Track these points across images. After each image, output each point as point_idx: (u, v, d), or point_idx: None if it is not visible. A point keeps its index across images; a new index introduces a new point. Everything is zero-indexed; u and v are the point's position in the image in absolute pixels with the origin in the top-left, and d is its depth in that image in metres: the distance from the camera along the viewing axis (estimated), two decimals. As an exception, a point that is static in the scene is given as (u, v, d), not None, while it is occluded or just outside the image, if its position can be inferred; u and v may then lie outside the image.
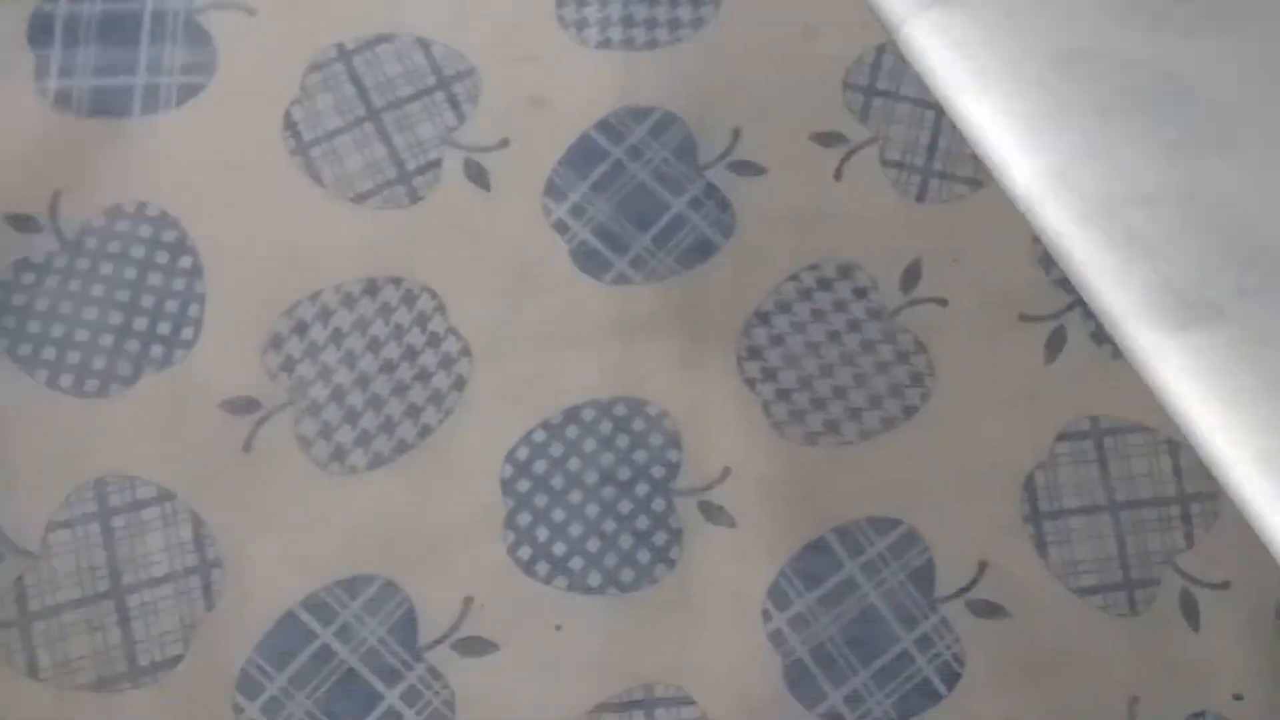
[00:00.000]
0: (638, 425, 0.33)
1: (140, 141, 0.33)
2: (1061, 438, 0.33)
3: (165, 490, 0.32)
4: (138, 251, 0.33)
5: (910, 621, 0.32)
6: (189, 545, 0.32)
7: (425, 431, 0.32)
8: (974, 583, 0.32)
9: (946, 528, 0.33)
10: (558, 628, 0.32)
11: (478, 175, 0.34)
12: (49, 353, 0.33)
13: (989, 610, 0.32)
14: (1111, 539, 0.33)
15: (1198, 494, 0.33)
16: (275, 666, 0.31)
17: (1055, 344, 0.34)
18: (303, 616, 0.31)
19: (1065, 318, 0.34)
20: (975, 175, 0.35)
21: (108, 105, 0.34)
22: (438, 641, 0.31)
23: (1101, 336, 0.34)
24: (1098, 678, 0.32)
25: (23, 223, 0.33)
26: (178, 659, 0.31)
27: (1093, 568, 0.33)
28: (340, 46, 0.34)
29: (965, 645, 0.32)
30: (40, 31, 0.34)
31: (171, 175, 0.33)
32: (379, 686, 0.31)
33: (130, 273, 0.33)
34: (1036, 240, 0.32)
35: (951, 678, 0.32)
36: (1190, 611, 0.32)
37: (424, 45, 0.35)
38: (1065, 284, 0.34)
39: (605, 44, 0.35)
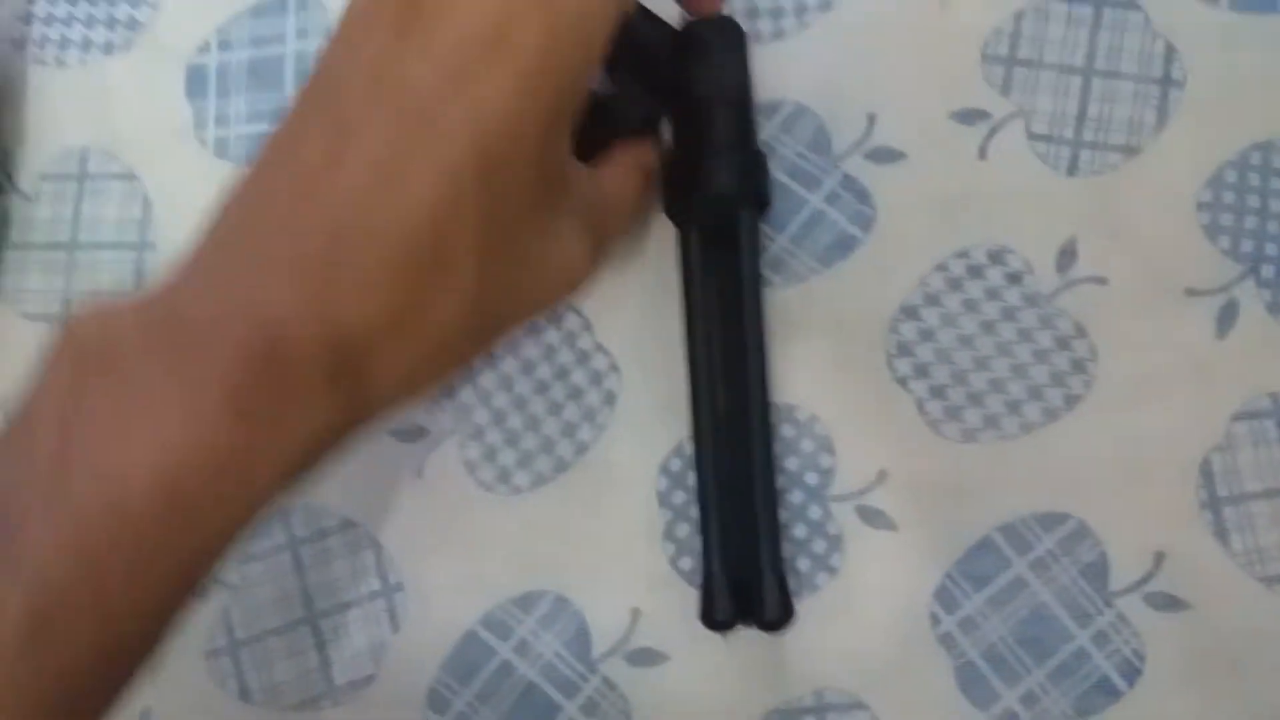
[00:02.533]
0: (788, 432, 0.33)
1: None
2: (1238, 418, 0.33)
3: (347, 519, 0.34)
4: None
5: (1085, 618, 0.32)
6: (372, 570, 0.34)
7: (581, 449, 0.34)
8: (1151, 575, 0.32)
9: (1119, 520, 0.33)
10: (725, 637, 0.33)
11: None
12: (231, 395, 0.35)
13: (1169, 603, 0.32)
14: (1299, 523, 0.32)
15: None
16: (461, 683, 0.33)
17: (1227, 318, 0.33)
18: (482, 634, 0.34)
19: (1237, 289, 0.33)
20: (1129, 142, 0.33)
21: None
22: (610, 653, 0.33)
23: (1278, 307, 0.33)
24: None
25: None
26: (370, 678, 0.34)
27: (1279, 554, 0.32)
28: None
29: (1145, 640, 0.32)
30: (197, 84, 0.37)
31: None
32: (558, 698, 0.33)
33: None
34: (1201, 207, 0.31)
35: (1132, 674, 0.32)
36: (1391, 597, 0.31)
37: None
38: (1235, 253, 0.33)
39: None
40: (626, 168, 0.31)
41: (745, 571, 0.32)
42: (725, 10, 0.35)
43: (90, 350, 0.22)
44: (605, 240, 0.30)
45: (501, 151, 0.24)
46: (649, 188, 0.33)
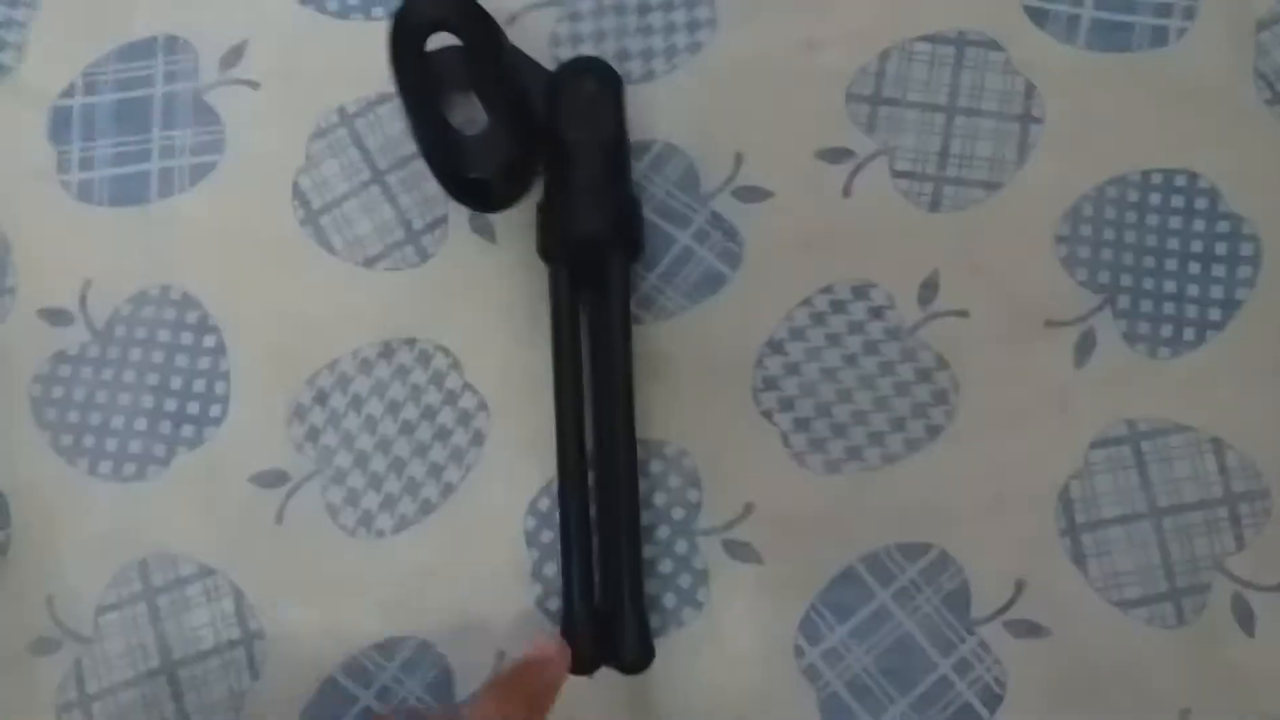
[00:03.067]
0: (656, 467, 0.39)
1: (159, 226, 0.41)
2: (1096, 445, 0.39)
3: (205, 566, 0.40)
4: (164, 335, 0.42)
5: (947, 646, 0.38)
6: (231, 618, 0.40)
7: (448, 490, 0.40)
8: (1011, 602, 0.38)
9: (980, 548, 0.39)
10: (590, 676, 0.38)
11: (483, 228, 0.40)
12: (88, 441, 0.41)
13: (1029, 630, 0.38)
14: (1154, 547, 0.38)
15: (1246, 493, 0.38)
16: (319, 727, 0.38)
17: (1085, 347, 0.39)
18: (343, 681, 0.39)
19: (1094, 319, 0.39)
20: (990, 178, 0.40)
21: (126, 194, 0.42)
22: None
23: (1134, 336, 0.39)
24: (1147, 692, 0.38)
25: (56, 316, 0.42)
26: (229, 727, 0.39)
27: (1136, 579, 0.38)
28: (342, 110, 0.41)
29: (1006, 667, 0.38)
30: (60, 127, 0.42)
31: (191, 256, 0.42)
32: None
33: (158, 356, 0.41)
34: (1059, 240, 0.38)
35: (993, 700, 0.38)
36: (1244, 617, 0.38)
37: (422, 103, 0.41)
38: (1092, 284, 0.40)
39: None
40: None
41: (607, 612, 0.38)
42: (597, 51, 0.41)
43: None
44: None
45: None
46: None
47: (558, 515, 0.39)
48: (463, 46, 0.38)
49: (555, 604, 0.40)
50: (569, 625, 0.38)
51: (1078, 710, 0.38)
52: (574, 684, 0.38)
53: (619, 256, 0.40)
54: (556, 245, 0.40)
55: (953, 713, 0.38)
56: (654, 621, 0.38)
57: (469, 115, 0.40)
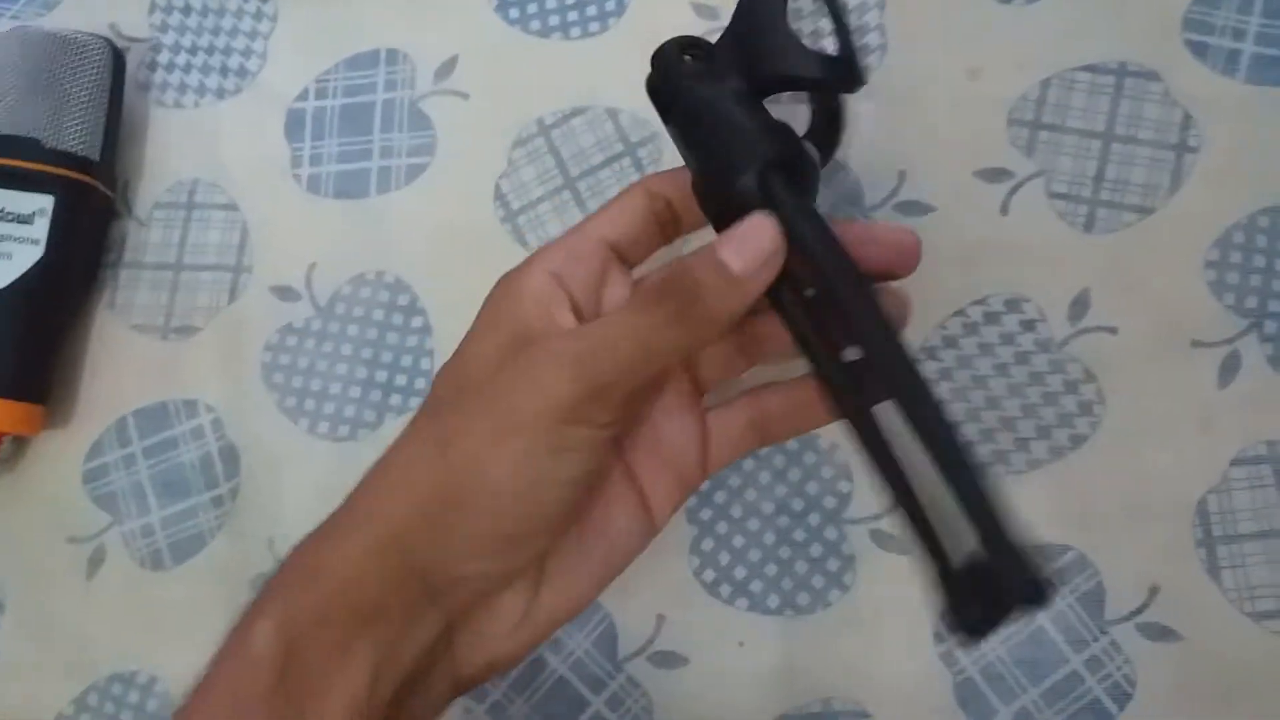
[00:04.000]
0: (809, 459, 0.42)
1: (376, 218, 0.46)
2: (1236, 463, 0.40)
3: None
4: (378, 314, 0.46)
5: (1080, 643, 0.40)
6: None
7: None
8: (1145, 606, 0.40)
9: (1116, 553, 0.41)
10: (740, 644, 0.41)
11: (662, 230, 0.44)
12: (309, 404, 0.46)
13: (1161, 633, 0.40)
14: (1290, 564, 0.39)
15: None
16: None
17: (1229, 369, 0.41)
18: None
19: (1240, 343, 0.41)
20: (1144, 203, 0.42)
21: (349, 188, 0.47)
22: (635, 655, 0.42)
23: (1278, 360, 0.40)
24: (1275, 701, 0.39)
25: (285, 293, 0.47)
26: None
27: (1269, 592, 0.40)
28: (540, 121, 0.46)
29: (1136, 667, 0.40)
30: (295, 127, 0.48)
31: (403, 246, 0.46)
32: (587, 694, 0.42)
33: (372, 333, 0.46)
34: (1209, 265, 0.40)
35: (1123, 698, 0.40)
36: (1375, 638, 0.38)
37: (612, 115, 0.45)
38: (1239, 308, 0.41)
39: (775, 101, 0.44)
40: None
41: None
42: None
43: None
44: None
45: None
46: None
47: (721, 495, 0.42)
48: None
49: (710, 575, 0.43)
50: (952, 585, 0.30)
51: (1205, 714, 0.39)
52: (727, 650, 0.42)
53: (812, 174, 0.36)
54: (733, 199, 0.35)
55: (1082, 706, 0.40)
56: (803, 600, 0.41)
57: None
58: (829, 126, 0.38)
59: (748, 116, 0.33)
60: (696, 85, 0.34)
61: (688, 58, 0.36)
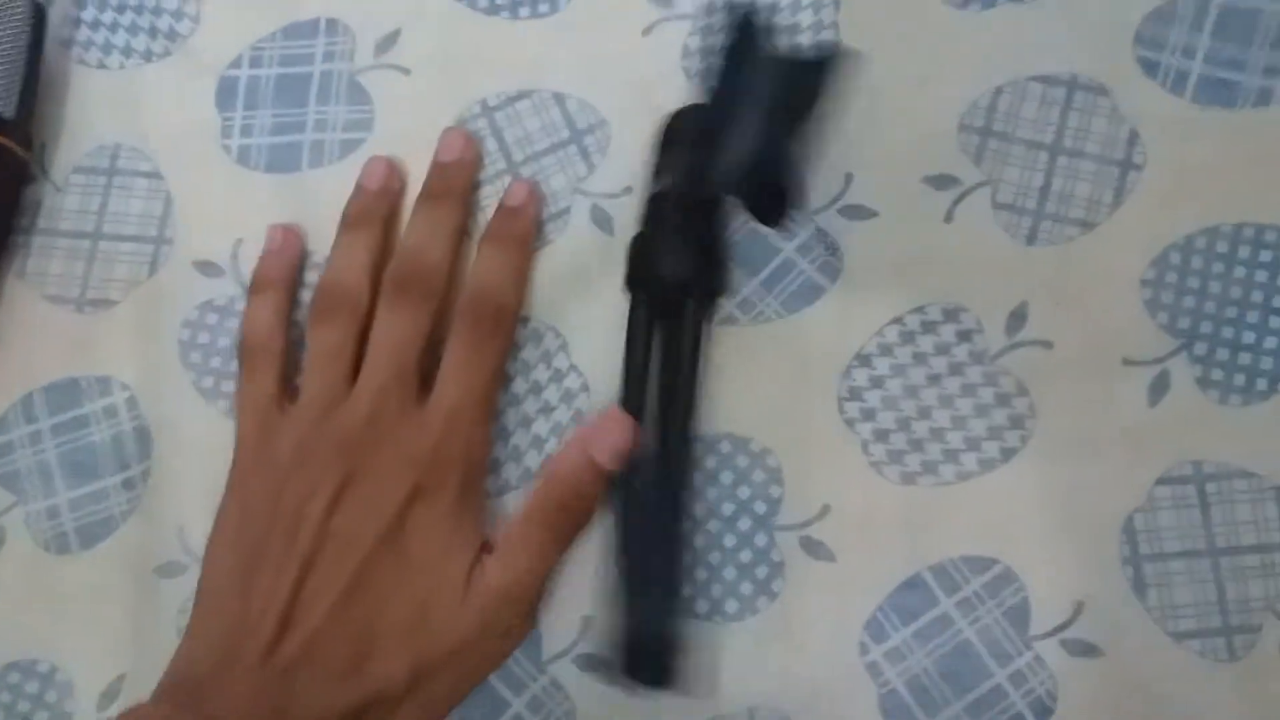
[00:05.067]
0: (741, 461, 0.41)
1: (309, 195, 0.44)
2: (1162, 482, 0.40)
3: None
4: (308, 297, 0.44)
5: (1004, 657, 0.40)
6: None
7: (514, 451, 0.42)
8: (1069, 622, 0.40)
9: (1043, 568, 0.40)
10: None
11: (603, 221, 0.43)
12: (227, 386, 0.44)
13: (1084, 649, 0.39)
14: (1211, 584, 0.39)
15: None
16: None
17: (1159, 388, 0.40)
18: None
19: (1170, 362, 0.40)
20: (1086, 218, 0.41)
21: (280, 162, 0.45)
22: (559, 656, 0.41)
23: (1207, 382, 0.40)
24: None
25: (208, 268, 0.45)
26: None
27: (1192, 612, 0.39)
28: (484, 103, 0.44)
29: (1059, 682, 0.39)
30: (226, 95, 0.45)
31: (333, 224, 0.44)
32: (508, 695, 0.41)
33: (301, 316, 0.44)
34: (1145, 283, 0.39)
35: (1044, 713, 0.39)
36: (1293, 660, 0.38)
37: (559, 100, 0.44)
38: (1171, 328, 0.41)
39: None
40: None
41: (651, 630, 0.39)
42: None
43: None
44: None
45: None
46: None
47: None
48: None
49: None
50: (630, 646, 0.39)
51: (1123, 731, 0.39)
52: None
53: (695, 302, 0.42)
54: (639, 282, 0.42)
55: (1004, 720, 0.39)
56: (731, 607, 0.41)
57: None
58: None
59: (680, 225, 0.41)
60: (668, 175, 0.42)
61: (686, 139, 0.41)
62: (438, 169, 0.41)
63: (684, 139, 0.42)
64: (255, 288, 0.41)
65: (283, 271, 0.41)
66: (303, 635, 0.34)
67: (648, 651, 0.39)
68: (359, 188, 0.42)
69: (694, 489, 0.41)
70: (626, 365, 0.42)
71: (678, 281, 0.42)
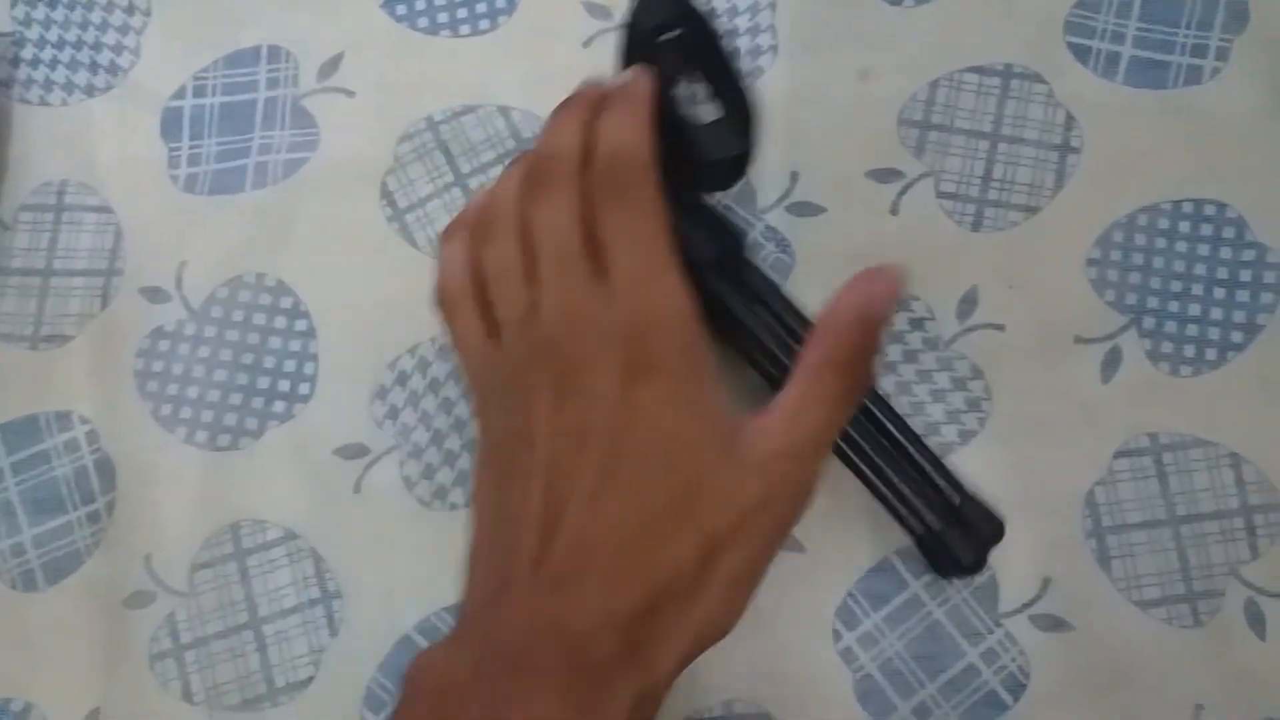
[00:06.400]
0: None
1: (253, 216, 0.44)
2: (1120, 455, 0.40)
3: (290, 531, 0.42)
4: (259, 319, 0.44)
5: (975, 636, 0.39)
6: (312, 579, 0.41)
7: None
8: (1037, 598, 0.39)
9: (1008, 546, 0.40)
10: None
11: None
12: (185, 412, 0.43)
13: (1053, 624, 0.39)
14: (1174, 552, 0.39)
15: (1262, 506, 0.39)
16: (396, 685, 0.40)
17: (1111, 364, 0.40)
18: (416, 638, 0.41)
19: (1121, 338, 0.40)
20: (1029, 202, 0.41)
21: (224, 185, 0.44)
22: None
23: (1158, 355, 0.40)
24: (1162, 688, 0.39)
25: (154, 294, 0.44)
26: (309, 680, 0.41)
27: (1155, 581, 0.39)
28: (429, 119, 0.44)
29: (1030, 658, 0.39)
30: (171, 126, 0.45)
31: (285, 246, 0.44)
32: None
33: (254, 338, 0.43)
34: (1090, 263, 0.39)
35: (1017, 689, 0.39)
36: (1257, 622, 0.38)
37: (504, 112, 0.43)
38: (1119, 305, 0.41)
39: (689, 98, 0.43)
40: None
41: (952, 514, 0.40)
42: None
43: (438, 690, 0.29)
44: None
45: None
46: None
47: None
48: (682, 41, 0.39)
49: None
50: (935, 540, 0.40)
51: (1097, 701, 0.39)
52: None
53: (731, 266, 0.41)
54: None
55: (979, 699, 0.39)
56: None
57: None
58: (742, 119, 0.39)
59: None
60: None
61: None
62: (582, 86, 0.37)
63: None
64: (445, 235, 0.37)
65: (472, 214, 0.37)
66: (566, 540, 0.30)
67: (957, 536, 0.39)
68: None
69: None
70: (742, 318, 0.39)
71: (709, 261, 0.39)
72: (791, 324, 0.39)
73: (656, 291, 0.33)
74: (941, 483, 0.39)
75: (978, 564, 0.39)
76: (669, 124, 0.38)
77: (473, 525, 0.35)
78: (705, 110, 0.40)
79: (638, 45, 0.40)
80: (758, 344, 0.39)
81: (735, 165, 0.39)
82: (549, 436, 0.32)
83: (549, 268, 0.34)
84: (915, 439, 0.39)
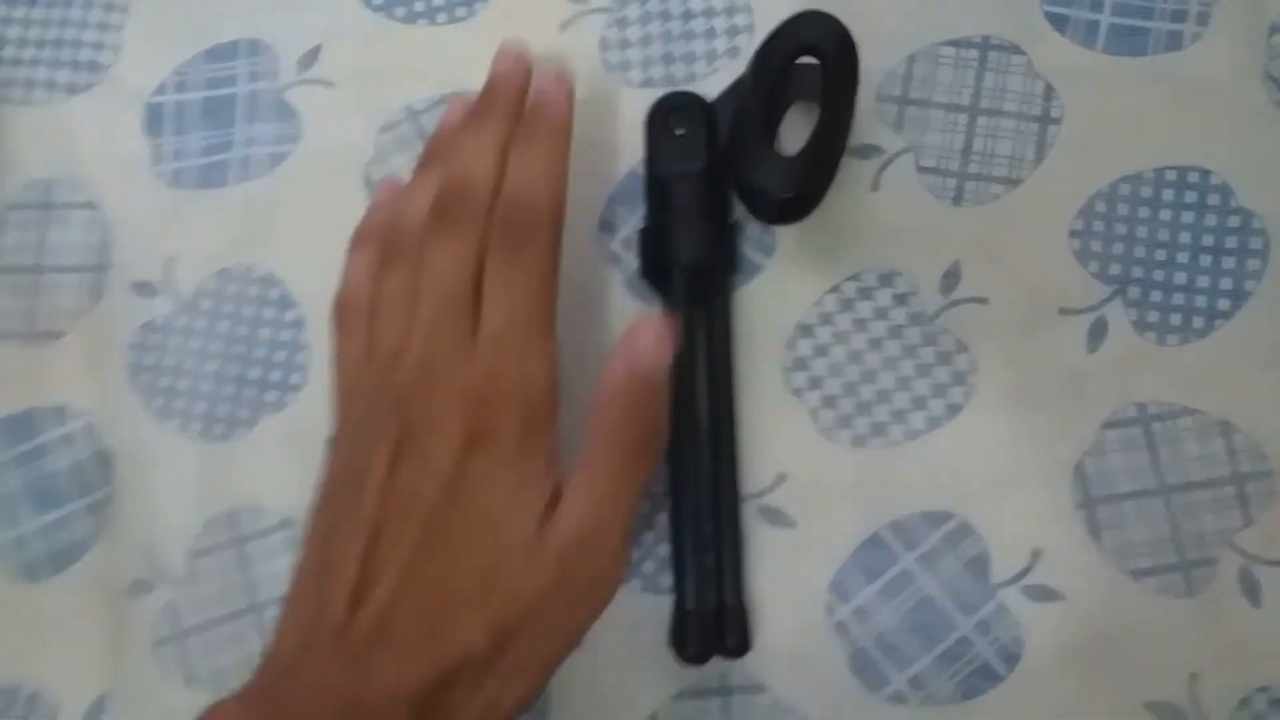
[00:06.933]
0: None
1: (239, 208, 0.44)
2: (1109, 425, 0.40)
3: (286, 518, 0.42)
4: (248, 310, 0.44)
5: (968, 608, 0.39)
6: (307, 566, 0.41)
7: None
8: (1029, 569, 0.39)
9: (999, 518, 0.40)
10: (634, 626, 0.39)
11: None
12: (180, 404, 0.43)
13: (1045, 595, 0.39)
14: (1165, 521, 0.39)
15: (1253, 473, 0.39)
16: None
17: (1097, 334, 0.40)
18: None
19: (1106, 308, 0.40)
20: (1010, 175, 0.41)
21: (209, 179, 0.44)
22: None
23: (1144, 324, 0.40)
24: (1157, 656, 0.38)
25: (143, 289, 0.44)
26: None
27: (1148, 550, 0.39)
28: (409, 108, 0.43)
29: (1024, 629, 0.39)
30: (154, 121, 0.45)
31: (271, 238, 0.44)
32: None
33: (243, 329, 0.44)
34: (1074, 234, 0.39)
35: (1011, 660, 0.39)
36: (1251, 589, 0.38)
37: (482, 98, 0.43)
38: (1104, 275, 0.41)
39: (648, 83, 0.43)
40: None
41: (708, 602, 0.39)
42: (643, 55, 0.44)
43: None
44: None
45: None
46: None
47: (667, 512, 0.41)
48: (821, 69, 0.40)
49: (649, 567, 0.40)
50: (680, 620, 0.39)
51: (1091, 671, 0.38)
52: (622, 629, 0.40)
53: (720, 278, 0.42)
54: (663, 269, 0.42)
55: (973, 670, 0.39)
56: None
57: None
58: (816, 168, 0.40)
59: (694, 210, 0.40)
60: (667, 162, 0.41)
61: (675, 127, 0.42)
62: (486, 87, 0.37)
63: (678, 124, 0.42)
64: (354, 243, 0.37)
65: (382, 225, 0.37)
66: (374, 609, 0.30)
67: (698, 626, 0.38)
68: (439, 127, 0.39)
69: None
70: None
71: (702, 264, 0.41)
72: (719, 372, 0.41)
73: (519, 357, 0.32)
74: (729, 572, 0.39)
75: (700, 658, 0.38)
76: (751, 137, 0.39)
77: (301, 557, 0.35)
78: (793, 136, 0.41)
79: (773, 57, 0.40)
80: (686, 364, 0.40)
81: (783, 207, 0.39)
82: (378, 497, 0.32)
83: (427, 314, 0.34)
84: (735, 514, 0.40)
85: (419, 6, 0.46)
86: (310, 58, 0.46)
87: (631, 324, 0.33)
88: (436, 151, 0.37)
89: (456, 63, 0.46)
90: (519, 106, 0.36)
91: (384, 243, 0.35)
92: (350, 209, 0.44)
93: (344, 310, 0.36)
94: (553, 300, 0.33)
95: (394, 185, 0.39)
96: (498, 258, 0.33)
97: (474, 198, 0.34)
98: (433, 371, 0.32)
